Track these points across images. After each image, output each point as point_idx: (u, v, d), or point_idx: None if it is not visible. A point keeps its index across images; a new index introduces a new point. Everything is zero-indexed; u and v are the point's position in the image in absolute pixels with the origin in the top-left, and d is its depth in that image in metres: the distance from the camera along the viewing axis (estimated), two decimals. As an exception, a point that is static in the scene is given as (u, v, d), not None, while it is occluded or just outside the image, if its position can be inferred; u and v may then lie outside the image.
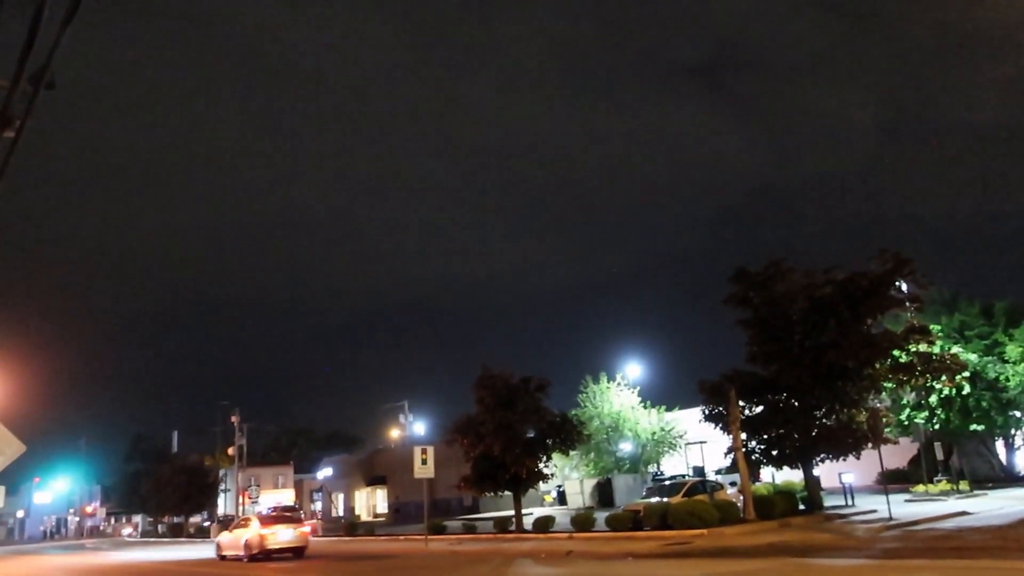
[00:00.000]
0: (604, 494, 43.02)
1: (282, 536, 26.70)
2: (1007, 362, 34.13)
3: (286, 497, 72.89)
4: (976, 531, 18.24)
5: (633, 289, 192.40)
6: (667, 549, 19.23)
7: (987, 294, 38.45)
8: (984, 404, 34.25)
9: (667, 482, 33.26)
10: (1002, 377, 34.26)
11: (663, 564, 16.95)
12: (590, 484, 44.95)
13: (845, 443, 25.77)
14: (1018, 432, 37.77)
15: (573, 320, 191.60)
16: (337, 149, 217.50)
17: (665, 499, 26.08)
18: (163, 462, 70.58)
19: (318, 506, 71.56)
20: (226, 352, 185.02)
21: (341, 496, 68.10)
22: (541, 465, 29.75)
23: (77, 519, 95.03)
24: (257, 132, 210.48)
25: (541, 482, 31.21)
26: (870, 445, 25.53)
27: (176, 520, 62.78)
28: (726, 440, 27.60)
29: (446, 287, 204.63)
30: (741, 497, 25.36)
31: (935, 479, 32.44)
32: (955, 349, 32.45)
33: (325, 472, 72.15)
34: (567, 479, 46.83)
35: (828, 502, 27.62)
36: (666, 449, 45.13)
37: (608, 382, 46.11)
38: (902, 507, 25.15)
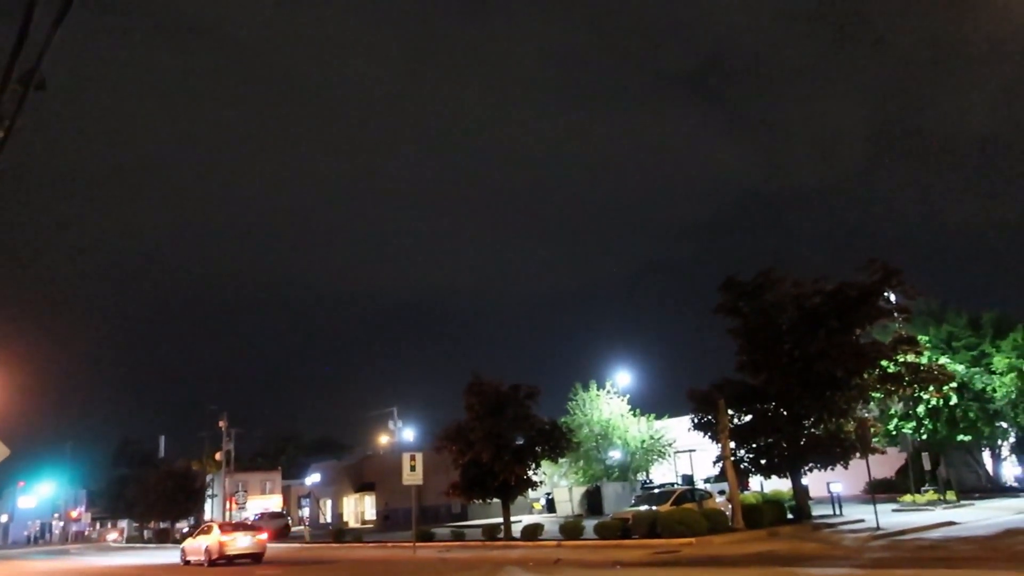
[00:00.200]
0: (593, 502, 42.95)
1: (240, 543, 28.89)
2: (994, 373, 34.34)
3: (274, 503, 72.49)
4: (963, 541, 18.30)
5: (623, 297, 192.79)
6: (655, 558, 19.22)
7: (975, 305, 38.74)
8: (971, 415, 34.43)
9: (656, 490, 33.25)
10: (989, 388, 34.46)
11: (651, 573, 16.93)
12: (579, 492, 44.88)
13: (833, 452, 25.85)
14: (1005, 443, 37.98)
15: (563, 327, 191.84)
16: (329, 154, 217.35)
17: (654, 507, 26.05)
18: (150, 467, 70.14)
19: (306, 512, 71.20)
20: (215, 357, 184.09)
21: (329, 502, 67.78)
22: (530, 472, 29.70)
23: (62, 524, 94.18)
24: (250, 137, 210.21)
25: (530, 489, 31.15)
26: (858, 455, 25.61)
27: (163, 526, 62.29)
28: (715, 448, 27.63)
29: (436, 293, 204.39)
30: (730, 506, 25.38)
31: (922, 489, 32.57)
32: (943, 360, 32.63)
33: (313, 478, 71.81)
34: (556, 487, 46.74)
35: (816, 511, 27.67)
36: (655, 457, 45.13)
37: (598, 390, 46.10)
38: (889, 517, 25.22)
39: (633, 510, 26.60)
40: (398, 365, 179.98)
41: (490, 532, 28.86)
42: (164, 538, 61.61)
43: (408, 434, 67.17)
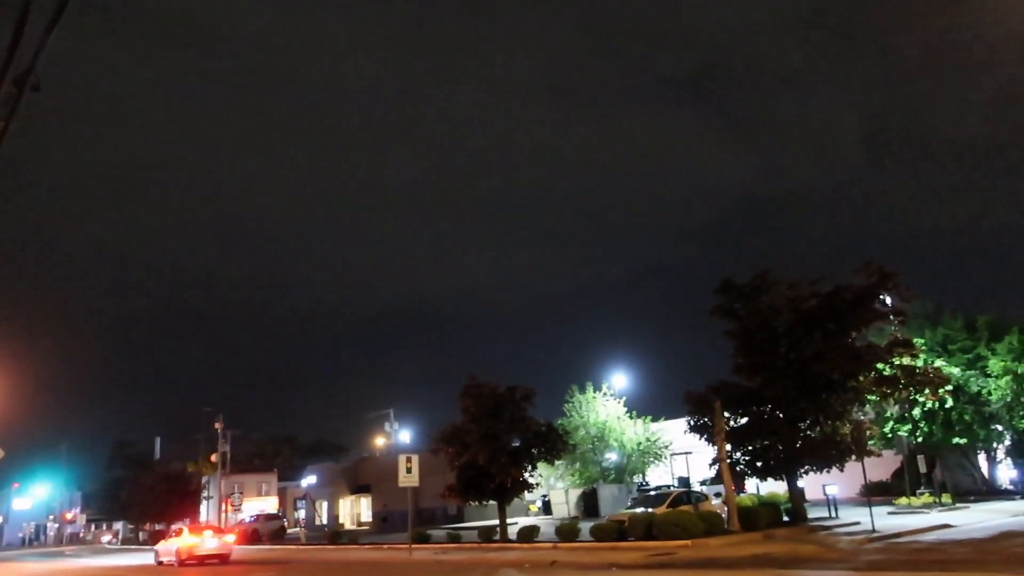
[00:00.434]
0: (589, 504, 42.94)
1: (208, 544, 30.97)
2: (989, 376, 34.39)
3: (269, 505, 72.34)
4: (958, 544, 18.34)
5: (619, 299, 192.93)
6: (651, 560, 19.22)
7: (971, 308, 38.81)
8: (967, 417, 34.49)
9: (652, 493, 33.26)
10: (984, 391, 34.53)
11: (647, 575, 16.94)
12: (575, 494, 44.87)
13: (829, 455, 25.88)
14: (1000, 445, 38.04)
15: (560, 329, 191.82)
16: (325, 156, 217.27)
17: (650, 509, 26.05)
18: (145, 469, 69.93)
19: (302, 514, 71.06)
20: (211, 359, 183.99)
21: (325, 504, 67.70)
22: (526, 474, 29.70)
23: (57, 526, 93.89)
24: (246, 139, 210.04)
25: (526, 491, 31.14)
26: (854, 457, 25.65)
27: (158, 527, 62.15)
28: (711, 451, 27.65)
29: (433, 296, 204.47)
30: (726, 508, 25.40)
31: (918, 492, 32.60)
32: (938, 363, 32.68)
33: (309, 480, 71.73)
34: (552, 489, 46.73)
35: (812, 514, 27.70)
36: (651, 459, 45.13)
37: (594, 392, 46.10)
38: (885, 519, 25.26)
39: (629, 512, 26.59)
40: (395, 367, 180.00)
41: (486, 534, 28.85)
42: (159, 540, 61.47)
43: (404, 436, 67.11)
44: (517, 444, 29.54)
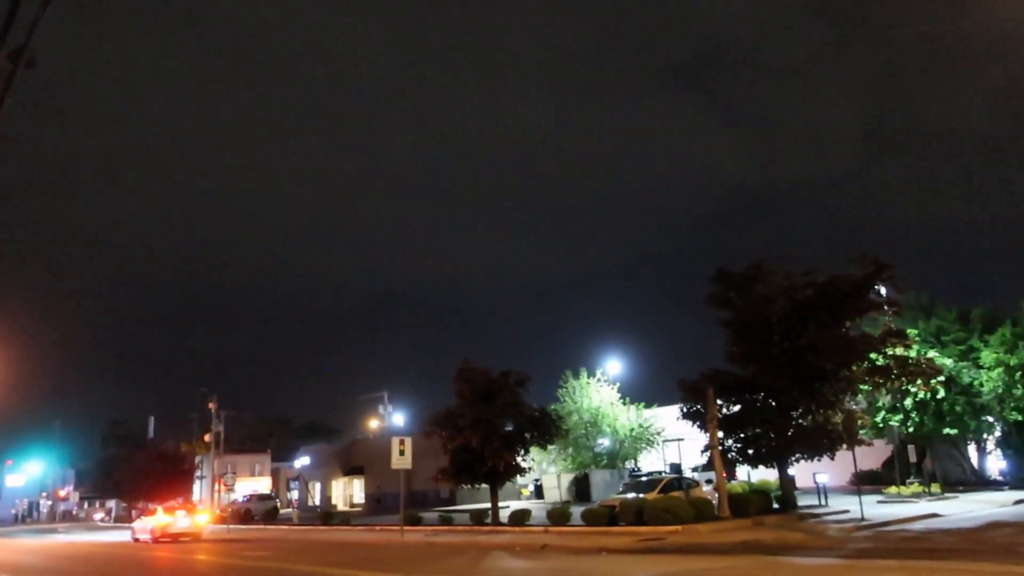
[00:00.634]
0: (581, 489, 43.14)
1: (180, 524, 32.97)
2: (982, 368, 34.57)
3: (263, 485, 72.58)
4: (946, 533, 18.49)
5: (615, 286, 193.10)
6: (641, 545, 19.35)
7: (964, 300, 39.02)
8: (958, 408, 34.68)
9: (644, 478, 33.40)
10: (976, 382, 34.70)
11: (636, 560, 17.06)
12: (567, 479, 45.07)
13: (820, 444, 26.02)
14: (990, 437, 38.27)
15: (555, 315, 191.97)
16: (322, 142, 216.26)
17: (641, 495, 26.18)
18: (139, 447, 70.14)
19: (295, 495, 71.29)
20: (206, 339, 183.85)
21: (318, 485, 67.89)
22: (519, 459, 29.79)
23: (50, 503, 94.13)
24: (243, 123, 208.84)
25: (518, 476, 31.25)
26: (845, 446, 25.78)
27: (151, 506, 62.34)
28: (703, 438, 27.76)
29: (429, 280, 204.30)
30: (716, 495, 25.55)
31: (908, 481, 32.82)
32: (931, 354, 32.80)
33: (303, 461, 71.85)
34: (544, 473, 46.92)
35: (802, 501, 27.88)
36: (644, 446, 45.31)
37: (588, 378, 46.20)
38: (874, 508, 25.44)
39: (620, 497, 26.73)
40: (389, 350, 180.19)
41: (478, 517, 28.99)
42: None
43: (398, 419, 67.28)
44: (510, 428, 29.62)
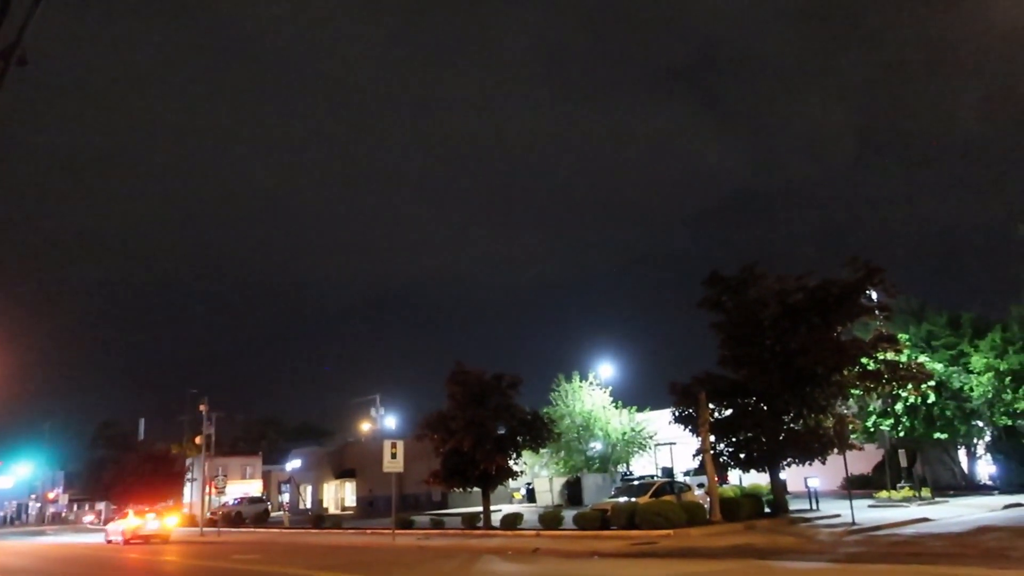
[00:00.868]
0: (573, 493, 43.13)
1: (149, 526, 35.07)
2: (972, 373, 34.72)
3: (253, 488, 72.26)
4: (936, 537, 18.55)
5: (609, 288, 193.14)
6: (633, 549, 19.35)
7: (955, 305, 39.10)
8: (948, 413, 34.82)
9: (635, 482, 33.44)
10: (966, 387, 34.85)
11: (628, 564, 17.07)
12: (559, 482, 45.05)
13: (812, 448, 26.07)
14: (980, 441, 38.43)
15: (547, 317, 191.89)
16: (317, 139, 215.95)
17: (633, 499, 26.21)
18: (129, 449, 69.70)
19: (286, 498, 71.06)
20: (196, 340, 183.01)
21: (309, 488, 67.69)
22: (511, 462, 29.77)
23: (39, 505, 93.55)
24: (238, 120, 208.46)
25: (510, 479, 31.23)
26: (836, 450, 25.85)
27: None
28: (695, 442, 27.81)
29: (421, 281, 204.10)
30: (708, 499, 25.58)
31: (898, 485, 32.92)
32: (922, 358, 32.95)
33: (294, 464, 71.64)
34: (536, 477, 46.90)
35: (793, 506, 27.93)
36: (636, 449, 45.34)
37: (580, 381, 46.22)
38: (865, 512, 25.51)
39: (612, 501, 26.75)
40: (382, 352, 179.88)
41: (470, 521, 28.95)
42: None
43: (390, 421, 67.11)
44: (502, 431, 29.61)
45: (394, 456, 27.95)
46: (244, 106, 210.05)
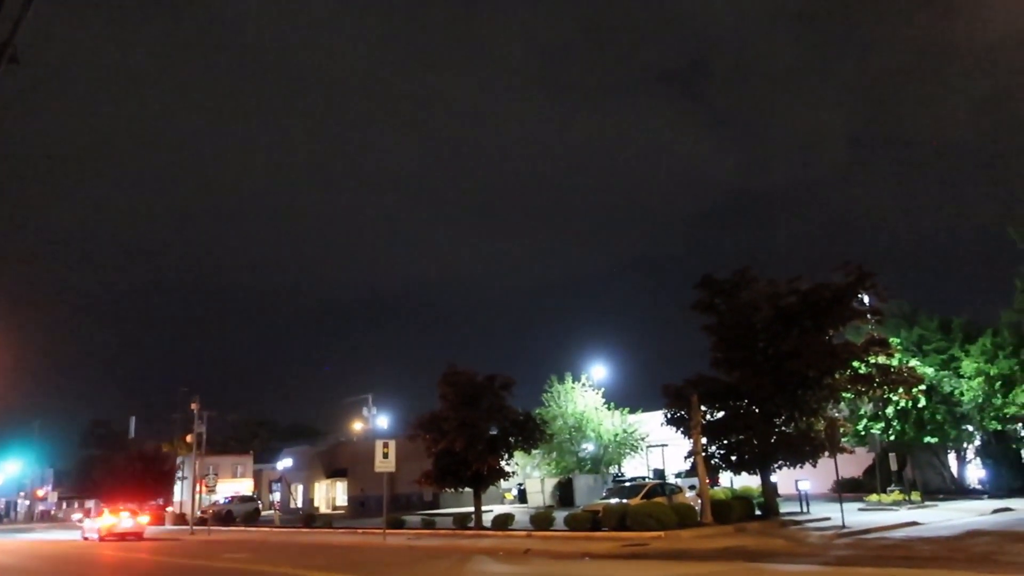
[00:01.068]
0: (565, 494, 43.16)
1: (124, 524, 36.25)
2: (962, 377, 34.86)
3: (244, 487, 72.11)
4: (925, 541, 18.62)
5: (602, 290, 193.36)
6: (624, 550, 19.37)
7: (946, 309, 39.27)
8: (939, 417, 34.96)
9: (627, 484, 33.45)
10: (957, 392, 35.01)
11: (619, 565, 17.09)
12: (551, 483, 45.06)
13: (803, 451, 26.14)
14: (970, 446, 38.62)
15: (541, 319, 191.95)
16: (312, 140, 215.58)
17: (624, 500, 26.22)
18: (119, 448, 69.44)
19: (277, 497, 70.91)
20: (188, 338, 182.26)
21: (301, 487, 67.56)
22: (503, 463, 29.77)
23: (28, 503, 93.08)
24: (231, 120, 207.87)
25: (502, 480, 31.21)
26: (827, 453, 25.92)
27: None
28: (687, 444, 27.85)
29: (415, 281, 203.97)
30: (699, 501, 25.62)
31: (888, 489, 33.05)
32: (913, 362, 33.08)
33: (285, 463, 71.47)
34: (528, 478, 46.90)
35: (784, 508, 28.01)
36: (628, 451, 45.37)
37: (573, 382, 46.22)
38: (855, 515, 25.59)
39: (604, 503, 26.76)
40: (374, 352, 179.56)
41: (461, 521, 28.93)
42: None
43: (382, 421, 67.00)
44: (494, 432, 29.61)
45: (386, 456, 27.92)
46: (239, 107, 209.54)
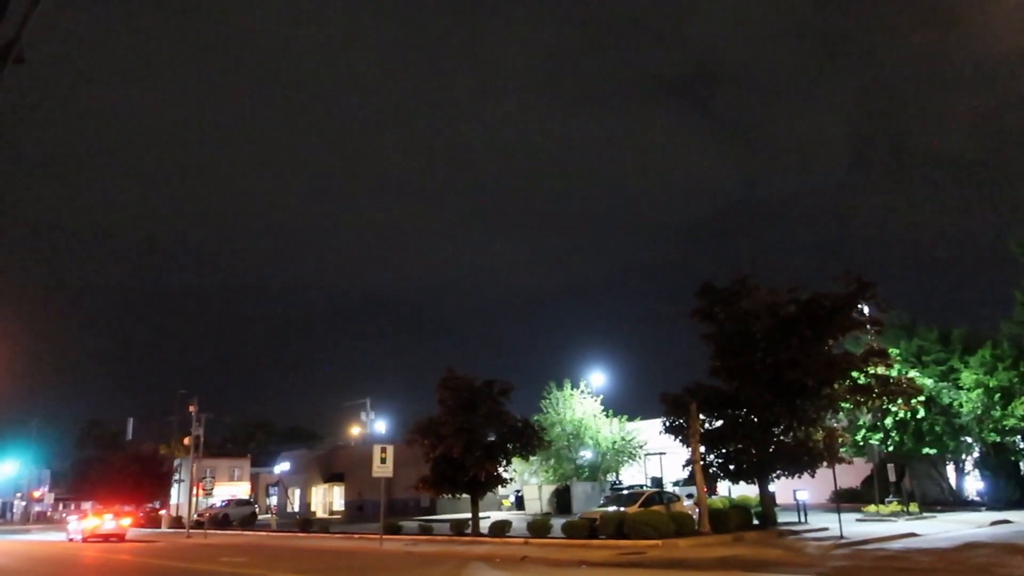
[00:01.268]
0: (562, 501, 43.07)
1: (107, 526, 37.60)
2: (961, 388, 34.81)
3: (241, 490, 71.90)
4: (923, 553, 18.57)
5: (601, 297, 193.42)
6: (621, 558, 19.32)
7: (945, 320, 39.23)
8: (937, 428, 34.90)
9: (625, 492, 33.40)
10: (956, 403, 34.94)
11: (616, 573, 17.03)
12: (549, 490, 44.98)
13: (801, 460, 26.11)
14: (968, 457, 38.52)
15: (540, 325, 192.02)
16: (311, 142, 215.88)
17: (622, 508, 26.17)
18: (116, 449, 69.24)
19: (274, 501, 70.71)
20: (187, 340, 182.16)
21: (298, 492, 67.36)
22: (500, 469, 29.70)
23: (24, 504, 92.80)
24: (231, 123, 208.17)
25: (500, 486, 31.18)
26: (825, 464, 25.88)
27: (127, 509, 61.58)
28: (685, 452, 27.81)
29: (415, 286, 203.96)
30: (697, 509, 25.57)
31: (886, 500, 32.96)
32: (912, 373, 33.03)
33: (283, 466, 71.30)
34: (526, 484, 46.81)
35: (782, 518, 27.94)
36: (626, 459, 45.33)
37: (572, 389, 46.20)
38: (853, 526, 25.53)
39: (601, 510, 26.71)
40: (373, 356, 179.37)
41: (458, 527, 28.86)
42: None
43: (380, 426, 66.94)
44: (492, 438, 29.56)
45: (383, 461, 27.86)
46: (239, 110, 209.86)
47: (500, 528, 27.13)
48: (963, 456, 38.29)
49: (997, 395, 33.81)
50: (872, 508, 31.92)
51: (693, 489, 28.78)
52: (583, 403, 45.73)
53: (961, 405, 34.74)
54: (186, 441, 57.78)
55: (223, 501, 55.43)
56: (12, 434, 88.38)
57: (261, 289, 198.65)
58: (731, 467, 27.29)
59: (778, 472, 26.88)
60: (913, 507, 31.43)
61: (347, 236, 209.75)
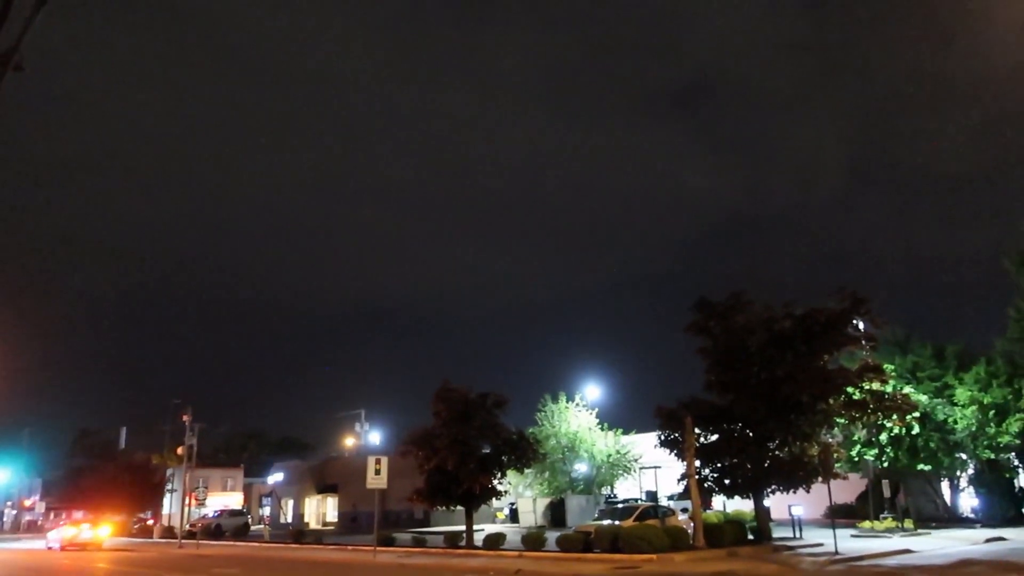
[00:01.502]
0: (557, 514, 42.92)
1: (83, 535, 40.27)
2: (956, 405, 34.81)
3: (234, 501, 71.53)
4: (918, 570, 18.53)
5: (597, 309, 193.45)
6: (616, 572, 19.25)
7: (940, 337, 39.28)
8: (932, 445, 34.87)
9: (619, 505, 33.29)
10: (950, 419, 34.94)
11: (610, 587, 16.95)
12: (543, 503, 44.83)
13: (796, 476, 26.07)
14: (963, 474, 38.48)
15: (535, 337, 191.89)
16: (309, 151, 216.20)
17: (617, 522, 26.09)
18: (109, 459, 68.82)
19: (267, 511, 70.31)
20: (180, 350, 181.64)
21: (291, 502, 67.03)
22: (495, 482, 29.63)
23: (15, 513, 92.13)
24: (229, 131, 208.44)
25: (494, 499, 31.09)
26: (820, 479, 25.85)
27: (118, 519, 61.19)
28: (680, 466, 27.75)
29: (410, 296, 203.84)
30: (692, 524, 25.50)
31: (881, 516, 32.90)
32: (907, 389, 33.03)
33: (276, 477, 70.95)
34: (520, 497, 46.65)
35: (777, 533, 27.88)
36: (621, 472, 45.22)
37: (567, 402, 46.14)
38: (848, 542, 25.48)
39: (596, 524, 26.62)
40: (368, 367, 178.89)
41: (452, 540, 28.74)
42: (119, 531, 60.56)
43: (374, 437, 66.75)
44: (487, 451, 29.49)
45: (378, 472, 27.77)
46: (237, 117, 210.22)
47: (494, 541, 27.03)
48: (958, 473, 38.25)
49: (991, 412, 33.82)
50: (867, 524, 31.87)
51: (688, 503, 28.70)
52: (578, 416, 45.66)
53: (956, 421, 34.73)
54: (179, 451, 57.46)
55: (216, 511, 55.14)
56: (3, 443, 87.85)
57: (256, 299, 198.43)
58: (726, 481, 27.24)
59: (773, 487, 26.84)
60: (908, 523, 31.39)
61: (343, 246, 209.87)
